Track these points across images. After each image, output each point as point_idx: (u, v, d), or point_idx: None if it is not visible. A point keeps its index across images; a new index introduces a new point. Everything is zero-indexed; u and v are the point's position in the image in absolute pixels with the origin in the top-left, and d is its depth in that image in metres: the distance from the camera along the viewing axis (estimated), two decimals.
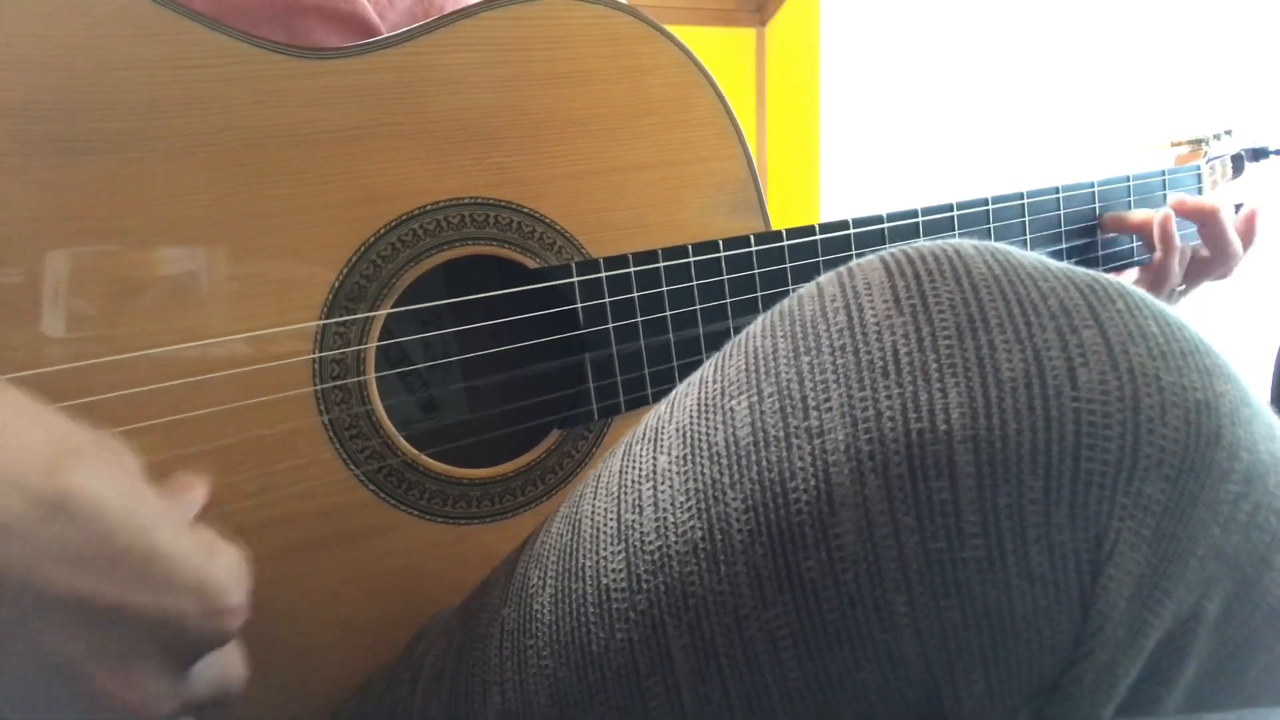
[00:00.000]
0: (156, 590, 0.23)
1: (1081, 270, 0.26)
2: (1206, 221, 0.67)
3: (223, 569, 0.25)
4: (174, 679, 0.24)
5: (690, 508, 0.26)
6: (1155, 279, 0.68)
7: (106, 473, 0.23)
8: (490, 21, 0.45)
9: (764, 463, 0.25)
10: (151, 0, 0.37)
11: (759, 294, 0.52)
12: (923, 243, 0.28)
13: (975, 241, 0.27)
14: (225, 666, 0.27)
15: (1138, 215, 0.67)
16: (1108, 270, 0.68)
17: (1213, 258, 0.69)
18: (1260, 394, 0.25)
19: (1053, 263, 0.26)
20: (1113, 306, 0.24)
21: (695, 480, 0.27)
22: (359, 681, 0.43)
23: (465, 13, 0.44)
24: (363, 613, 0.43)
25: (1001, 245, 0.27)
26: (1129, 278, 0.72)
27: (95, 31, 0.36)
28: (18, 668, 0.21)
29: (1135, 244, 0.69)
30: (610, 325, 0.49)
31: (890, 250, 0.28)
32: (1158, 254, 0.67)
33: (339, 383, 0.42)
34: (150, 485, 0.29)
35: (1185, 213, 0.67)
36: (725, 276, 0.51)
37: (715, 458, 0.26)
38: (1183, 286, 0.71)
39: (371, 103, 0.42)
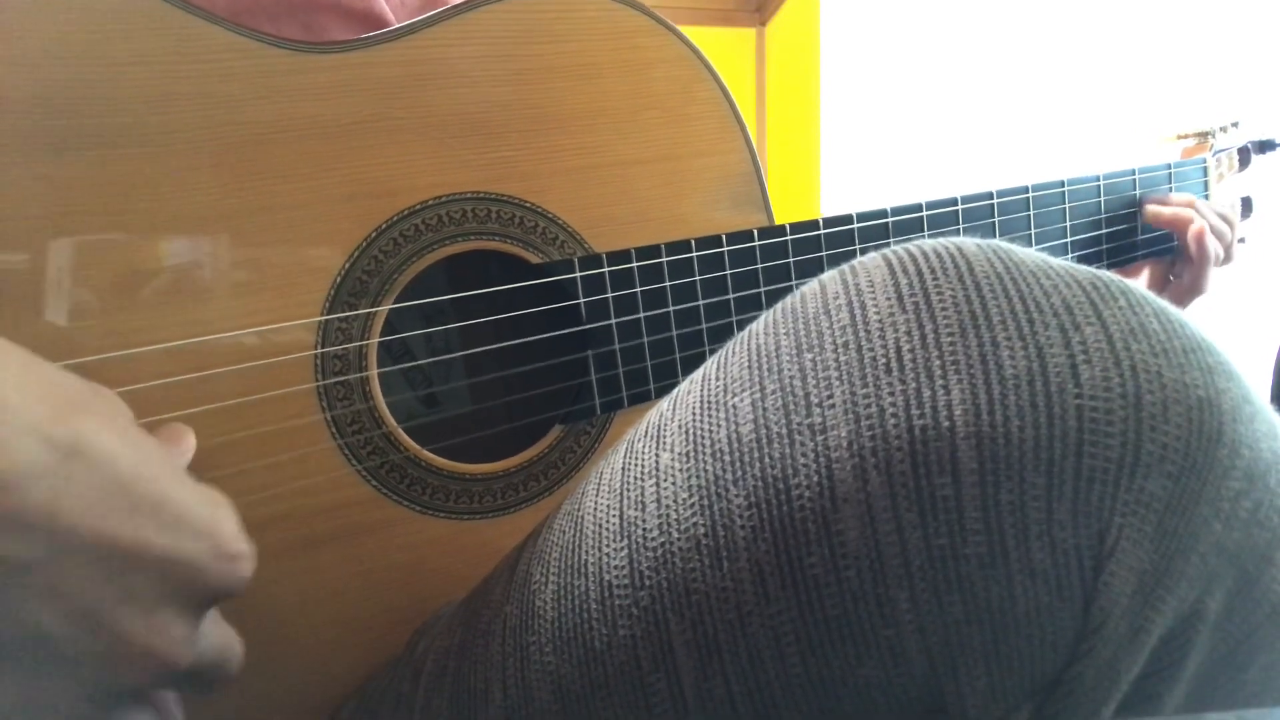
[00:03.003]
0: (172, 533, 0.23)
1: (1084, 268, 0.26)
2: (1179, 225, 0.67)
3: (227, 517, 0.26)
4: (192, 627, 0.25)
5: (693, 504, 0.26)
6: (1190, 289, 0.69)
7: (109, 423, 0.23)
8: (493, 15, 0.45)
9: (767, 459, 0.25)
10: None
11: (762, 289, 0.52)
12: (926, 240, 0.28)
13: (978, 240, 0.27)
14: (226, 633, 0.28)
15: (1168, 212, 0.67)
16: (1112, 265, 0.68)
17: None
18: (1261, 393, 0.25)
19: (1055, 261, 0.26)
20: (1115, 304, 0.24)
21: (698, 477, 0.27)
22: (361, 677, 0.43)
23: (468, 6, 0.44)
24: (365, 608, 0.43)
25: (1004, 243, 0.27)
26: (1142, 280, 0.72)
27: (97, 27, 0.36)
28: (49, 614, 0.21)
29: (1140, 239, 0.69)
30: (613, 320, 0.49)
31: (893, 248, 0.28)
32: (1194, 265, 0.67)
33: (341, 378, 0.42)
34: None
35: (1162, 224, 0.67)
36: (728, 271, 0.51)
37: (718, 454, 0.26)
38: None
39: (374, 97, 0.42)
